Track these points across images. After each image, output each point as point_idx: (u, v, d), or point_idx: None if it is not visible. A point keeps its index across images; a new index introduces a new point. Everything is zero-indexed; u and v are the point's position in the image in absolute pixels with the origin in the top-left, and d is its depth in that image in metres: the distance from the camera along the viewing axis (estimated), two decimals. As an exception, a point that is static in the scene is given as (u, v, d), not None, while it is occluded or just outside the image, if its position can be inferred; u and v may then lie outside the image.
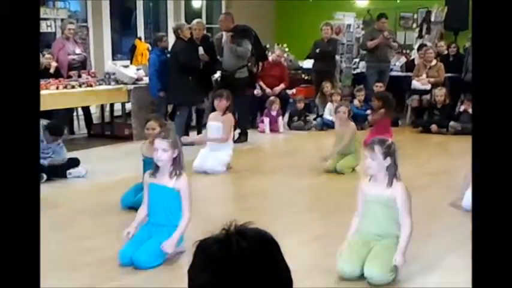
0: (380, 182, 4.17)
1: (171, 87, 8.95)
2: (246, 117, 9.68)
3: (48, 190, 6.39)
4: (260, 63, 10.20)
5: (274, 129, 10.24)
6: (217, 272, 1.32)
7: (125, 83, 9.41)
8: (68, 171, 6.95)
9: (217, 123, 7.38)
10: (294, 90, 11.63)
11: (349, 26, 12.63)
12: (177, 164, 4.48)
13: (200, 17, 12.55)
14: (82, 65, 9.72)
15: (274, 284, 1.35)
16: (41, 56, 9.08)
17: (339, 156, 7.37)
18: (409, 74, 11.41)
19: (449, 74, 10.92)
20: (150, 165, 4.69)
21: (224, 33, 9.44)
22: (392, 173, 4.15)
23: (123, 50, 12.92)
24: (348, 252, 4.16)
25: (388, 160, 4.11)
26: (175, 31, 9.13)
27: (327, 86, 10.69)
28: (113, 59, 11.87)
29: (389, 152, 4.13)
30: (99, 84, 9.25)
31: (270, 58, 11.22)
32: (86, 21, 11.64)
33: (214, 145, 7.40)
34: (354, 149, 7.33)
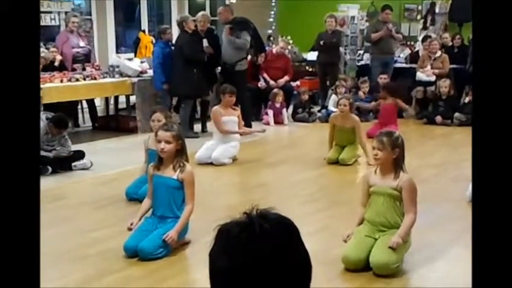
0: (387, 173, 4.19)
1: (175, 79, 8.95)
2: (248, 110, 9.67)
3: (53, 182, 6.43)
4: (260, 55, 10.18)
5: (278, 121, 10.24)
6: (240, 254, 1.31)
7: (129, 76, 9.42)
8: (73, 164, 6.97)
9: (235, 118, 7.45)
10: (298, 82, 11.62)
11: (353, 17, 12.60)
12: (181, 156, 4.50)
13: (204, 9, 12.53)
14: (86, 58, 9.72)
15: (295, 266, 1.35)
16: (45, 49, 9.10)
17: (339, 147, 7.37)
18: (414, 65, 11.37)
19: (454, 66, 10.89)
20: (155, 158, 4.71)
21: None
22: (400, 165, 4.18)
23: (127, 42, 12.91)
24: (353, 242, 4.17)
25: (396, 151, 4.14)
26: (180, 24, 9.12)
27: (345, 80, 10.63)
28: (117, 52, 11.87)
29: (397, 143, 4.16)
30: (104, 77, 9.25)
31: (274, 50, 11.21)
32: (89, 14, 11.63)
33: (224, 137, 7.40)
34: (353, 141, 7.32)
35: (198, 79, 8.90)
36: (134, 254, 4.34)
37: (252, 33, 9.42)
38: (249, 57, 9.92)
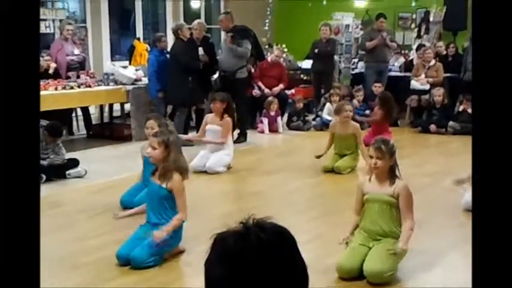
0: (383, 181, 4.19)
1: (171, 87, 8.94)
2: (246, 118, 9.68)
3: (47, 190, 6.40)
4: (258, 64, 10.20)
5: (273, 129, 10.24)
6: (236, 264, 1.30)
7: (124, 84, 9.41)
8: (67, 172, 6.96)
9: (216, 127, 7.39)
10: (293, 91, 11.63)
11: (347, 26, 12.63)
12: (169, 163, 4.46)
13: (199, 17, 12.55)
14: (81, 65, 9.72)
15: (292, 276, 1.34)
16: (41, 58, 9.08)
17: (337, 156, 7.37)
18: (408, 74, 11.41)
19: (448, 74, 10.93)
20: (150, 165, 4.70)
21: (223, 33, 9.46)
22: (395, 172, 4.19)
23: (121, 50, 12.91)
24: (347, 251, 4.17)
25: (393, 159, 4.16)
26: (175, 31, 9.12)
27: (339, 88, 10.67)
28: (112, 60, 11.86)
29: (394, 151, 4.18)
30: (98, 85, 9.24)
31: (268, 58, 11.22)
32: (84, 21, 11.63)
33: (214, 146, 7.41)
34: (353, 149, 7.34)
35: (193, 87, 8.91)
36: (127, 262, 4.32)
37: (252, 41, 9.43)
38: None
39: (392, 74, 11.71)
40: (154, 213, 4.50)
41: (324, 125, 10.25)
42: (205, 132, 7.48)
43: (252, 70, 10.16)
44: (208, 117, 7.56)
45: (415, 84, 10.92)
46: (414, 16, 13.39)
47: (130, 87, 9.33)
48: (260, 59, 10.24)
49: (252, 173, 7.44)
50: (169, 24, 12.83)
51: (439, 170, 7.50)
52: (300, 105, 10.78)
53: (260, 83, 10.82)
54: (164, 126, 6.13)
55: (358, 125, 7.51)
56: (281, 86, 10.94)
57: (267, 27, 13.77)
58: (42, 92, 8.08)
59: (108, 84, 9.35)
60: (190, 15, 13.11)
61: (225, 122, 7.39)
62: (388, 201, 4.16)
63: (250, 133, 9.63)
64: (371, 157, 4.20)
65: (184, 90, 8.79)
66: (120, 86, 9.34)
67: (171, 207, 4.47)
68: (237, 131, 9.14)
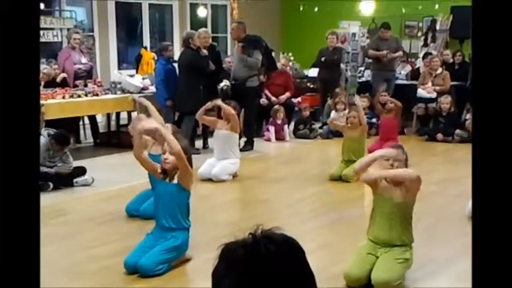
0: (396, 186, 4.17)
1: (180, 95, 8.92)
2: (253, 126, 9.69)
3: (54, 199, 6.43)
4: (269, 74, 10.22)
5: (279, 137, 10.25)
6: (245, 275, 1.30)
7: (131, 92, 9.44)
8: (74, 180, 6.98)
9: (225, 131, 7.45)
10: (299, 99, 11.64)
11: (354, 34, 12.64)
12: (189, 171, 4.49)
13: (206, 26, 12.58)
14: (88, 74, 9.76)
15: None
16: (47, 66, 9.13)
17: (344, 164, 7.38)
18: (415, 82, 11.40)
19: (455, 82, 10.91)
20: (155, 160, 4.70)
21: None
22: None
23: (129, 59, 12.96)
24: (355, 259, 4.16)
25: (407, 163, 4.23)
26: (186, 40, 9.08)
27: (341, 94, 10.72)
28: (119, 68, 11.91)
29: (407, 156, 4.24)
30: (105, 93, 9.28)
31: (275, 67, 11.23)
32: (92, 30, 11.70)
33: (221, 154, 7.42)
34: (361, 155, 7.33)
35: (203, 95, 8.92)
36: (134, 270, 4.33)
37: (264, 51, 9.44)
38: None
39: (399, 82, 11.69)
40: (166, 214, 4.48)
41: (331, 133, 10.26)
42: (214, 137, 7.60)
43: (263, 79, 10.18)
44: (218, 123, 7.63)
45: (421, 92, 10.91)
46: (421, 24, 13.40)
47: (137, 96, 9.35)
48: (272, 69, 10.24)
49: (259, 181, 7.44)
50: (176, 33, 12.89)
51: (446, 178, 7.49)
52: (307, 113, 10.80)
53: (267, 91, 10.84)
54: (176, 132, 6.15)
55: (364, 124, 7.66)
56: (288, 94, 10.96)
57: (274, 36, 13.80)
58: (49, 101, 8.15)
59: (115, 93, 9.38)
60: (197, 23, 13.14)
61: (233, 119, 7.46)
62: (397, 205, 4.13)
63: (256, 141, 9.64)
64: (387, 160, 4.20)
65: (194, 98, 8.78)
66: (127, 95, 9.37)
67: (183, 207, 4.47)
68: (243, 139, 9.15)
